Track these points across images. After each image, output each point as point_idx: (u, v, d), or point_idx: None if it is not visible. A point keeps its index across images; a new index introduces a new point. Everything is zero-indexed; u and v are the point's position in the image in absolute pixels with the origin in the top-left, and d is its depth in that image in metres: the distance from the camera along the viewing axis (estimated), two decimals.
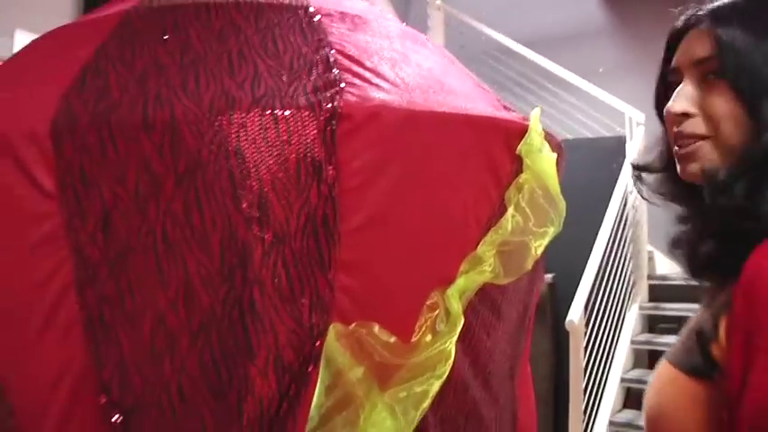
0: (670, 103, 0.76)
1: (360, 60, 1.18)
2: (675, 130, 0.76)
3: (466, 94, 1.27)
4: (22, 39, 2.75)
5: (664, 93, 0.82)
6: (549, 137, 1.43)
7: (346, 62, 1.16)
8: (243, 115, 1.00)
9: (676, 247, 0.78)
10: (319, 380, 1.05)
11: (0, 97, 1.15)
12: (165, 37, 1.17)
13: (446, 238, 1.17)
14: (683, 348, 0.74)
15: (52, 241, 1.03)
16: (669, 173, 0.82)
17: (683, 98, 0.75)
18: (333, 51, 1.17)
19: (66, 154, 1.01)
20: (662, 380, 0.76)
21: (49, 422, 1.04)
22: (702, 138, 0.73)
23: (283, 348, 1.03)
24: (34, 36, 2.45)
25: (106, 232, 1.02)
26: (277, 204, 1.01)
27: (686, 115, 0.74)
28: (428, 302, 1.15)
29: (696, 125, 0.74)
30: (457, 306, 1.16)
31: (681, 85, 0.77)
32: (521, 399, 1.59)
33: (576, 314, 3.35)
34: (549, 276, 4.09)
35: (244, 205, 1.00)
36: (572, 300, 3.41)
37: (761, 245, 0.64)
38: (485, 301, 1.30)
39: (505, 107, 1.38)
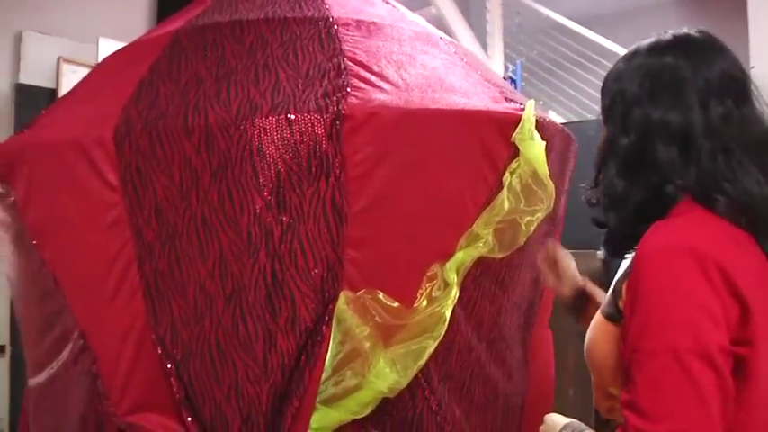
0: None
1: (367, 65, 1.36)
2: None
3: (465, 91, 1.41)
4: (105, 45, 3.08)
5: None
6: (552, 125, 1.56)
7: (355, 68, 1.34)
8: (263, 119, 1.20)
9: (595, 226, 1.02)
10: (332, 336, 1.24)
11: (77, 110, 1.42)
12: (205, 53, 1.39)
13: (443, 217, 1.33)
14: (606, 300, 0.98)
15: (118, 225, 1.28)
16: None
17: None
18: (344, 59, 1.35)
19: (125, 155, 1.25)
20: (594, 323, 1.00)
21: (121, 367, 1.31)
22: None
23: (301, 311, 1.23)
24: (116, 43, 2.78)
25: (158, 217, 1.25)
26: (292, 192, 1.21)
27: None
28: (428, 273, 1.32)
29: None
30: (453, 277, 1.32)
31: None
32: (534, 362, 1.73)
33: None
34: (600, 253, 4.11)
35: (265, 193, 1.20)
36: None
37: (650, 228, 0.88)
38: (487, 273, 1.45)
39: (508, 99, 1.50)
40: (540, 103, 4.72)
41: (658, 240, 0.86)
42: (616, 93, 0.98)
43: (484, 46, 5.04)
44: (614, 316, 0.93)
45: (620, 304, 0.91)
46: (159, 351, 1.25)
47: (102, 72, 1.60)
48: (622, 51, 1.05)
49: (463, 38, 4.86)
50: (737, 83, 0.93)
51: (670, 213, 0.90)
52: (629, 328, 0.85)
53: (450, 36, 4.66)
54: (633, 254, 0.91)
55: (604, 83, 1.02)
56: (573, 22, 4.80)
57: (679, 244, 0.84)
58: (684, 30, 0.98)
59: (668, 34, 0.99)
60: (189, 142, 1.22)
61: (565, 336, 1.94)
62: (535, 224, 1.38)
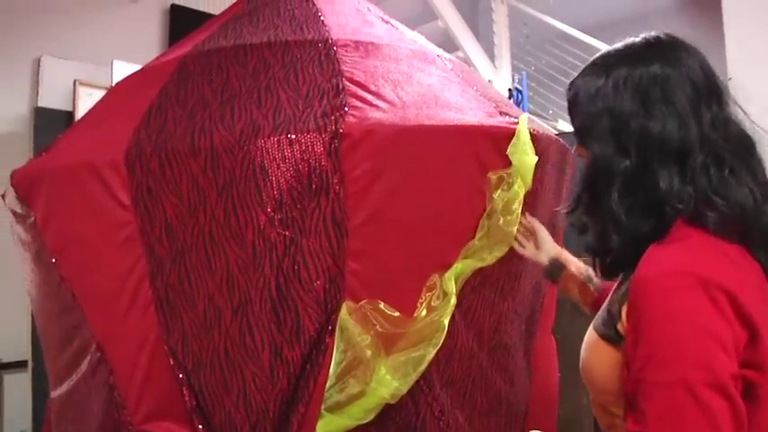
0: None
1: (365, 85, 1.41)
2: None
3: (459, 107, 1.46)
4: (119, 68, 3.17)
5: None
6: (546, 137, 1.60)
7: (353, 87, 1.39)
8: (265, 140, 1.26)
9: (588, 254, 0.97)
10: (335, 346, 1.29)
11: (91, 134, 1.49)
12: (210, 77, 1.46)
13: (441, 228, 1.37)
14: (601, 320, 0.95)
15: (131, 242, 1.34)
16: None
17: None
18: (343, 79, 1.41)
19: (137, 176, 1.31)
20: (589, 341, 0.97)
21: (136, 378, 1.36)
22: None
23: (304, 321, 1.28)
24: (129, 65, 2.86)
25: (169, 234, 1.31)
26: (294, 208, 1.26)
27: None
28: (427, 284, 1.36)
29: None
30: (451, 287, 1.36)
31: None
32: (537, 369, 1.76)
33: None
34: None
35: (268, 210, 1.26)
36: None
37: (647, 252, 0.85)
38: (486, 282, 1.49)
39: (503, 113, 1.55)
40: (550, 112, 4.76)
41: (661, 266, 0.82)
42: (600, 111, 0.91)
43: (491, 57, 5.10)
44: (613, 338, 0.90)
45: (620, 328, 0.89)
46: (171, 362, 1.31)
47: (113, 97, 1.67)
48: None
49: (471, 50, 4.92)
50: (715, 84, 0.91)
51: (667, 236, 0.86)
52: (634, 359, 0.82)
53: (458, 48, 4.70)
54: (625, 274, 0.93)
55: (575, 102, 0.97)
56: (579, 32, 4.83)
57: (683, 270, 0.80)
58: (649, 33, 0.94)
59: (636, 40, 0.94)
60: (196, 163, 1.28)
61: (579, 343, 1.96)
62: (516, 225, 1.43)
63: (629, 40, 0.95)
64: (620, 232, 0.89)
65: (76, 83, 3.01)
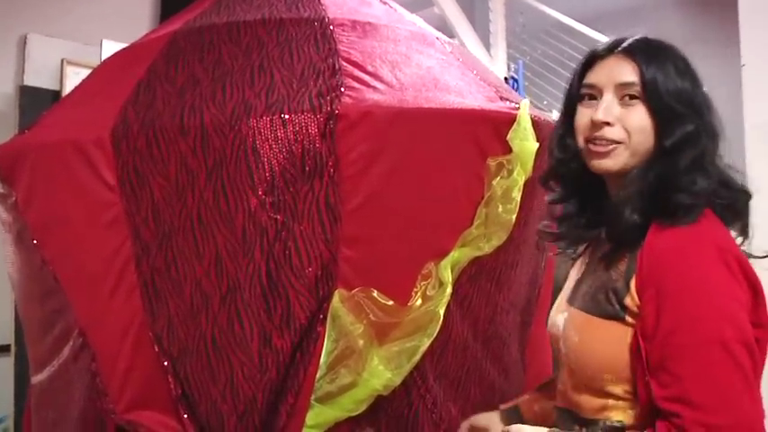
0: (598, 113, 0.94)
1: (362, 65, 1.37)
2: (596, 134, 0.95)
3: (459, 90, 1.42)
4: (108, 47, 3.09)
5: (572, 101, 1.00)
6: (548, 124, 1.56)
7: (350, 68, 1.35)
8: (257, 119, 1.22)
9: (565, 221, 1.04)
10: (326, 334, 1.25)
11: (76, 111, 1.45)
12: (202, 55, 1.40)
13: (438, 215, 1.34)
14: (593, 300, 0.96)
15: (116, 224, 1.30)
16: (574, 166, 1.01)
17: (608, 111, 0.93)
18: (339, 59, 1.37)
19: (123, 155, 1.27)
20: (578, 324, 0.98)
21: (119, 365, 1.32)
22: (618, 142, 0.94)
23: (295, 309, 1.25)
24: (119, 44, 2.79)
25: (155, 216, 1.27)
26: (286, 191, 1.23)
27: (607, 124, 0.94)
28: (423, 272, 1.33)
29: (615, 133, 0.94)
30: (447, 276, 1.33)
31: (603, 100, 0.95)
32: (531, 361, 1.73)
33: None
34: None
35: (259, 192, 1.22)
36: None
37: (654, 226, 0.90)
38: (483, 272, 1.46)
39: (503, 98, 1.51)
40: (544, 102, 4.73)
41: (683, 237, 0.88)
42: (697, 92, 0.95)
43: (487, 46, 5.04)
44: (616, 314, 0.92)
45: (628, 302, 0.91)
46: (156, 349, 1.27)
47: (100, 74, 1.62)
48: None
49: (466, 38, 4.86)
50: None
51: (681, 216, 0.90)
52: (658, 326, 0.86)
53: (453, 36, 4.65)
54: (621, 252, 0.94)
55: (681, 67, 0.95)
56: (576, 22, 4.79)
57: (703, 240, 0.88)
58: (640, 35, 0.98)
59: (662, 40, 0.98)
60: (185, 142, 1.24)
61: None
62: (515, 213, 1.39)
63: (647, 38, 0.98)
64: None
65: (64, 62, 2.94)
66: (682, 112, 0.91)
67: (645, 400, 0.89)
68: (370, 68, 1.37)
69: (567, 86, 1.03)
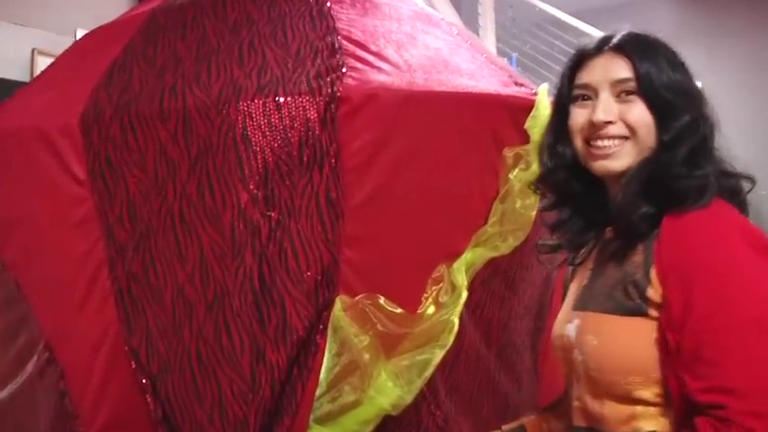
0: (598, 114, 0.92)
1: (364, 44, 1.26)
2: (599, 132, 0.93)
3: (471, 73, 1.31)
4: None
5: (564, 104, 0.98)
6: None
7: (351, 47, 1.23)
8: (248, 102, 1.11)
9: (560, 228, 1.01)
10: (327, 347, 1.14)
11: (42, 96, 1.32)
12: (184, 32, 1.27)
13: (450, 212, 1.24)
14: (609, 299, 0.92)
15: (87, 223, 1.19)
16: (568, 172, 0.99)
17: (608, 109, 0.92)
18: (339, 37, 1.25)
19: (94, 144, 1.16)
20: (594, 326, 0.92)
21: (92, 383, 1.20)
22: (623, 138, 0.93)
23: (292, 318, 1.14)
24: None
25: (131, 214, 1.17)
26: (282, 184, 1.12)
27: (610, 122, 0.92)
28: (433, 275, 1.23)
29: (619, 129, 0.92)
30: (461, 279, 1.22)
31: (600, 99, 0.93)
32: (545, 369, 1.63)
33: None
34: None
35: (251, 186, 1.11)
36: None
37: (668, 215, 0.88)
38: (496, 274, 1.36)
39: (518, 83, 1.40)
40: None
41: (701, 219, 0.87)
42: (690, 83, 0.95)
43: None
44: (638, 309, 0.87)
45: (650, 294, 0.86)
46: (133, 365, 1.16)
47: (72, 55, 1.51)
48: None
49: None
50: None
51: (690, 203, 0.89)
52: (689, 310, 0.81)
53: None
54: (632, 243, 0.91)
55: (672, 59, 0.95)
56: (567, 15, 4.73)
57: (723, 221, 0.87)
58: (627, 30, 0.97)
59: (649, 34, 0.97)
60: (165, 129, 1.13)
61: None
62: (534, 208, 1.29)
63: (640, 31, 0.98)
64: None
65: (35, 52, 2.81)
66: (678, 104, 0.92)
67: (679, 401, 0.83)
68: (373, 48, 1.26)
69: (556, 89, 1.01)
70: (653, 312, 0.86)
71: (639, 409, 0.87)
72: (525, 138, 1.29)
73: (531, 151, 1.29)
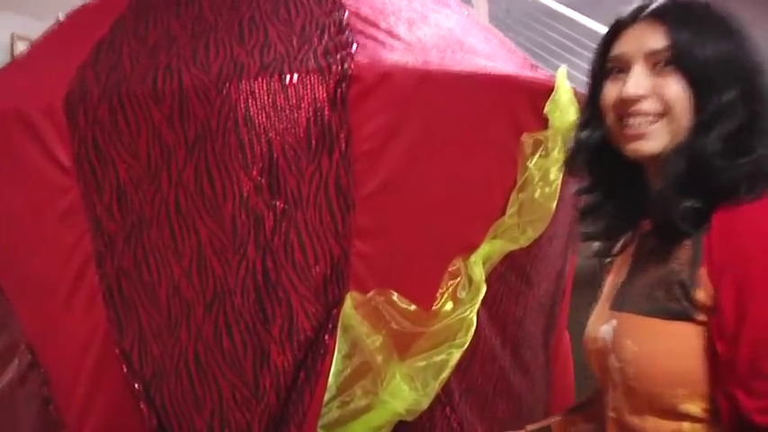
0: (628, 88, 0.85)
1: (374, 21, 1.19)
2: (631, 109, 0.86)
3: (487, 54, 1.26)
4: None
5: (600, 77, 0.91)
6: (584, 97, 1.40)
7: (360, 24, 1.17)
8: (251, 81, 1.05)
9: (590, 214, 0.95)
10: (336, 349, 1.09)
11: (23, 76, 1.25)
12: (178, 9, 1.19)
13: (467, 202, 1.18)
14: (650, 299, 0.85)
15: (72, 215, 1.12)
16: (603, 152, 0.92)
17: (638, 83, 0.85)
18: (347, 13, 1.18)
19: (80, 127, 1.09)
20: (633, 330, 0.86)
21: (79, 390, 1.13)
22: (658, 115, 0.85)
23: (299, 317, 1.08)
24: None
25: (121, 204, 1.10)
26: (288, 171, 1.06)
27: (642, 97, 0.85)
28: (450, 269, 1.17)
29: (653, 105, 0.85)
30: (479, 273, 1.17)
31: (633, 72, 0.86)
32: (555, 368, 1.58)
33: None
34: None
35: (254, 173, 1.05)
36: None
37: (720, 208, 0.80)
38: (512, 268, 1.31)
39: (533, 66, 1.34)
40: None
41: (759, 213, 0.79)
42: (742, 53, 0.87)
43: None
44: (685, 312, 0.81)
45: (700, 296, 0.79)
46: (125, 369, 1.10)
47: (55, 35, 1.42)
48: None
49: None
50: None
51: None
52: (747, 317, 0.75)
53: None
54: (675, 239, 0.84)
55: (721, 26, 0.88)
56: (563, 6, 4.70)
57: None
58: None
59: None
60: (158, 110, 1.07)
61: None
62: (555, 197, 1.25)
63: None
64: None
65: (14, 37, 2.77)
66: (721, 78, 0.84)
67: (729, 418, 0.76)
68: (383, 25, 1.20)
69: (590, 65, 0.94)
70: (701, 317, 0.79)
71: (686, 425, 0.81)
72: (544, 123, 1.23)
73: (551, 137, 1.23)
